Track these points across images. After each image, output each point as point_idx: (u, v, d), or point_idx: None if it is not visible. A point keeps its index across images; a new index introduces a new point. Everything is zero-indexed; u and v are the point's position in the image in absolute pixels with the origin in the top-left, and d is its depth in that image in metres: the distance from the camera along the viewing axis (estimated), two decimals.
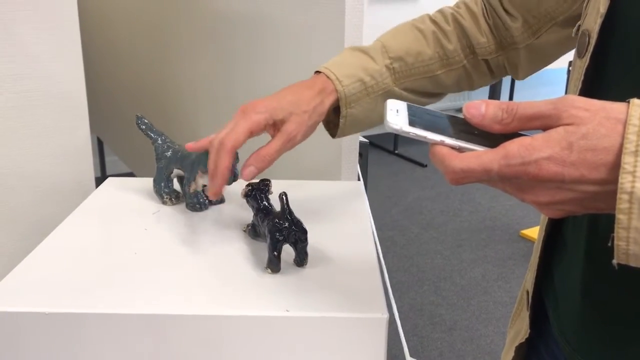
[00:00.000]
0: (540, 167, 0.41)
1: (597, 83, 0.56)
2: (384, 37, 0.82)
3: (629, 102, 0.40)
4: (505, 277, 2.74)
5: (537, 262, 0.67)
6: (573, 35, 0.61)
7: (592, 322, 0.58)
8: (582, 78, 0.55)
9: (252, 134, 0.69)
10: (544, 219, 0.65)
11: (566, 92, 0.61)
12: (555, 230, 0.66)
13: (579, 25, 0.60)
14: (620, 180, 0.38)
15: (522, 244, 3.05)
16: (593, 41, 0.54)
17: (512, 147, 0.42)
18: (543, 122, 0.42)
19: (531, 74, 0.83)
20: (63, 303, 0.61)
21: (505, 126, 0.44)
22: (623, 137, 0.39)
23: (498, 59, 0.81)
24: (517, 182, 0.43)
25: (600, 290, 0.57)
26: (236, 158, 0.71)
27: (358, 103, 0.77)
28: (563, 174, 0.40)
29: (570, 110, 0.41)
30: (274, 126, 0.72)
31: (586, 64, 0.55)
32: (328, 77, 0.76)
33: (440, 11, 0.83)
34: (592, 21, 0.55)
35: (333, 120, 0.81)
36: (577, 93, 0.56)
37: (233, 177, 0.71)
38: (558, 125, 0.41)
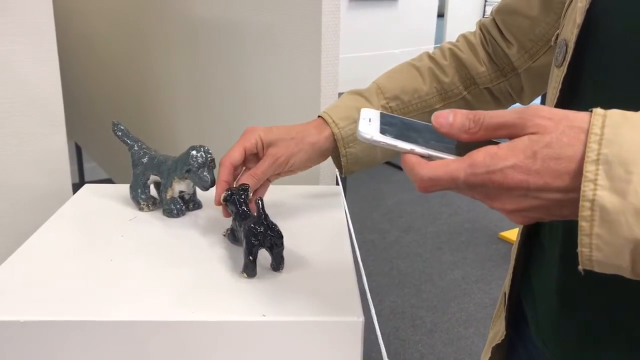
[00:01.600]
0: (506, 175, 0.42)
1: (574, 92, 0.56)
2: (380, 79, 0.85)
3: (591, 111, 0.41)
4: (485, 279, 2.77)
5: (514, 265, 0.68)
6: (552, 43, 0.62)
7: (569, 326, 0.59)
8: (559, 87, 0.56)
9: (246, 151, 0.77)
10: None
11: (545, 100, 0.62)
12: (532, 235, 0.67)
13: (557, 34, 0.61)
14: (582, 188, 0.39)
15: (501, 246, 3.08)
16: (570, 51, 0.55)
17: (478, 156, 0.43)
18: (509, 131, 0.43)
19: (535, 98, 0.85)
20: (39, 311, 0.60)
21: (473, 135, 0.45)
22: (585, 146, 0.40)
23: (500, 85, 0.83)
24: (484, 190, 0.44)
25: (576, 295, 0.58)
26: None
27: (356, 142, 0.80)
28: (528, 182, 0.41)
29: (535, 120, 0.42)
30: (264, 149, 0.78)
31: (564, 73, 0.56)
32: (325, 120, 0.80)
33: (439, 48, 0.86)
34: (569, 31, 0.56)
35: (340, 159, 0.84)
36: (555, 101, 0.57)
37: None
38: (524, 134, 0.42)
